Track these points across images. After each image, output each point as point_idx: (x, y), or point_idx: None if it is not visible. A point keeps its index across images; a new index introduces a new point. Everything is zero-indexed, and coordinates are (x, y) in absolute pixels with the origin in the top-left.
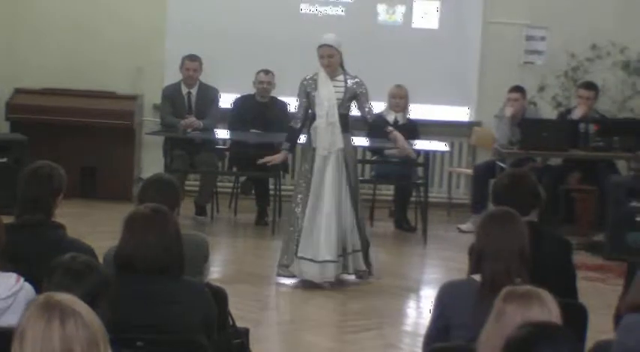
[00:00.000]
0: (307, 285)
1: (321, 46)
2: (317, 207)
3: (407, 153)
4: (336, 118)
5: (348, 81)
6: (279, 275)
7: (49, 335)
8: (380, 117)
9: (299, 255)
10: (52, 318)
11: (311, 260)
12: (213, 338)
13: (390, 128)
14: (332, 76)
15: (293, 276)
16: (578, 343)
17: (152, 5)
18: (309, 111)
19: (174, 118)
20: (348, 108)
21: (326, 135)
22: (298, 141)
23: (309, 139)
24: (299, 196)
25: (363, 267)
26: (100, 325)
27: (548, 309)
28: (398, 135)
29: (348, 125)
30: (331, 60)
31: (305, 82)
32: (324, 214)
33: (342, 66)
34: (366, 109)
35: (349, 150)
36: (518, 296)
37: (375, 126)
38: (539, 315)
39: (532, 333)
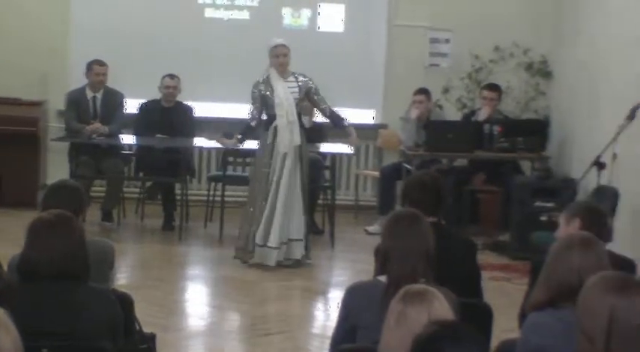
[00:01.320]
0: (216, 289)
1: (276, 46)
2: (275, 198)
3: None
4: (295, 117)
5: (299, 78)
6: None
7: None
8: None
9: (261, 243)
10: None
11: (269, 247)
12: (120, 344)
13: (348, 121)
14: (283, 77)
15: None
16: (484, 342)
17: (56, 11)
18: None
19: (79, 124)
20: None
21: (286, 133)
22: (250, 139)
23: (265, 138)
24: (256, 189)
25: (298, 256)
26: (19, 335)
27: (443, 307)
28: (353, 129)
29: (302, 122)
30: (286, 59)
31: (259, 86)
32: (279, 206)
33: None
34: (321, 102)
35: (304, 146)
36: (414, 296)
37: (333, 118)
38: (437, 313)
39: (438, 332)
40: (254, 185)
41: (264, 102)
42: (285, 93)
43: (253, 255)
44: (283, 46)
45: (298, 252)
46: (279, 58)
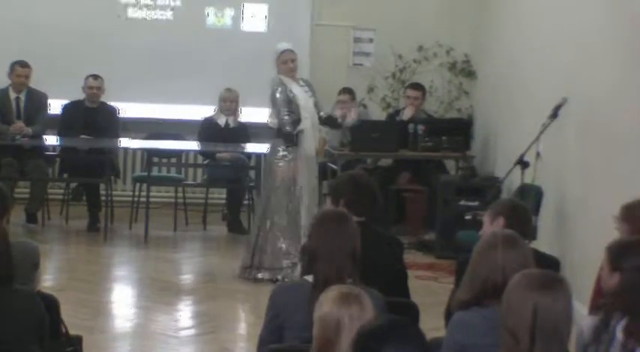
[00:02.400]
0: (142, 290)
1: (283, 52)
2: (298, 207)
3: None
4: (316, 120)
5: (308, 82)
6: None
7: None
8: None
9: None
10: None
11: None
12: (46, 346)
13: (341, 120)
14: (296, 82)
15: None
16: (424, 340)
17: None
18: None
19: (2, 125)
20: None
21: (311, 136)
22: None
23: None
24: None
25: None
26: None
27: (364, 308)
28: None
29: None
30: (295, 64)
31: (280, 89)
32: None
33: None
34: (319, 107)
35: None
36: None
37: (328, 121)
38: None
39: (380, 328)
40: (270, 195)
41: (290, 105)
42: (305, 97)
43: (261, 270)
44: (291, 51)
45: None
46: (289, 63)
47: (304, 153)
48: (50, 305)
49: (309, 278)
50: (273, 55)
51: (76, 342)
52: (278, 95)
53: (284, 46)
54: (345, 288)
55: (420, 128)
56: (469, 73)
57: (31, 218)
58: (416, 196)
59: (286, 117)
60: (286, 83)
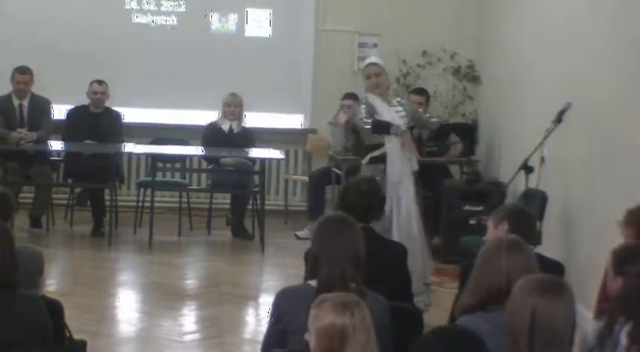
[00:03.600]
0: (146, 295)
1: (367, 66)
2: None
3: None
4: (408, 141)
5: (403, 102)
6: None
7: None
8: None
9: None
10: None
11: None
12: (49, 351)
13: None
14: (387, 101)
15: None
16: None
17: None
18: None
19: (6, 130)
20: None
21: (397, 160)
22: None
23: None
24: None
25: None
26: None
27: (365, 315)
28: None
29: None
30: (379, 79)
31: (367, 108)
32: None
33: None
34: (421, 124)
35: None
36: (339, 306)
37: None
38: (361, 322)
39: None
40: None
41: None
42: (392, 118)
43: None
44: (375, 64)
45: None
46: (371, 78)
47: (390, 179)
48: (54, 309)
49: (313, 282)
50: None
51: (80, 347)
52: (360, 115)
53: (370, 59)
54: (342, 297)
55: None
56: (473, 78)
57: (35, 223)
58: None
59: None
60: (372, 101)
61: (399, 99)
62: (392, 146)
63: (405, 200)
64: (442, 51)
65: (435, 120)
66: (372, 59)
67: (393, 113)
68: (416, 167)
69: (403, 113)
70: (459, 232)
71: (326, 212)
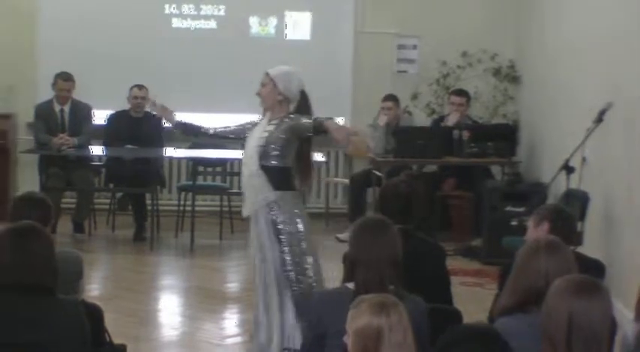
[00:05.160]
0: (188, 299)
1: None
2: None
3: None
4: (256, 166)
5: (291, 117)
6: None
7: None
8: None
9: None
10: None
11: None
12: None
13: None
14: (270, 117)
15: None
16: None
17: (22, 22)
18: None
19: (47, 136)
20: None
21: (248, 191)
22: (186, 129)
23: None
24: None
25: None
26: None
27: (402, 316)
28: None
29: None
30: (263, 90)
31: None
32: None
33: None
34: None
35: (279, 205)
36: (376, 307)
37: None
38: (398, 323)
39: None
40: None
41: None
42: (256, 136)
43: None
44: (266, 73)
45: None
46: (260, 88)
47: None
48: (94, 314)
49: (350, 285)
50: None
51: (120, 351)
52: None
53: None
54: (380, 298)
55: (465, 134)
56: (514, 79)
57: (78, 228)
58: (461, 202)
59: (228, 128)
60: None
61: (292, 115)
62: (243, 173)
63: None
64: (482, 52)
65: (305, 120)
66: (275, 68)
67: (258, 132)
68: (271, 197)
69: (268, 131)
70: (501, 233)
71: (367, 214)
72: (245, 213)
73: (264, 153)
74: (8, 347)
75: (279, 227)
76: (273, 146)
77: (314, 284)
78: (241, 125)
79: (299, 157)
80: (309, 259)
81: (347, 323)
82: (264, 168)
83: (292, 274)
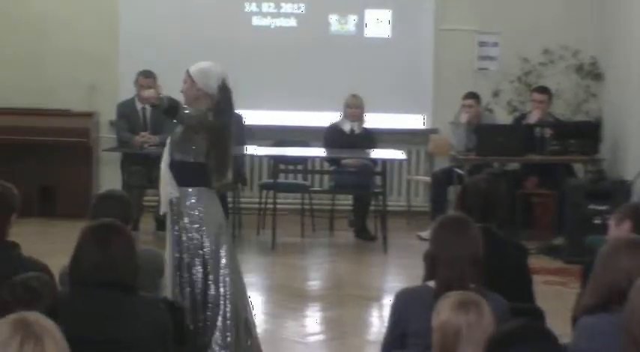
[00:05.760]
0: (270, 297)
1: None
2: None
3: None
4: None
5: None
6: None
7: None
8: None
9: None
10: (26, 339)
11: None
12: None
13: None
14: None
15: None
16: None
17: (105, 22)
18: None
19: (130, 134)
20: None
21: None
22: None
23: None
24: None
25: None
26: (66, 344)
27: (482, 314)
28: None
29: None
30: (185, 86)
31: None
32: None
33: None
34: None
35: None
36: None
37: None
38: (476, 321)
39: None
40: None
41: None
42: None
43: None
44: (186, 71)
45: None
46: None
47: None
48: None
49: (431, 283)
50: None
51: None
52: None
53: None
54: (463, 295)
55: (547, 132)
56: (596, 75)
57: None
58: (544, 200)
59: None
60: None
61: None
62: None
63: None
64: (564, 48)
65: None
66: (195, 65)
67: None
68: (174, 194)
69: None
70: (583, 231)
71: (448, 212)
72: (162, 210)
73: (171, 148)
74: (89, 344)
75: (175, 228)
76: (176, 140)
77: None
78: None
79: (210, 153)
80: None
81: (432, 319)
82: (171, 164)
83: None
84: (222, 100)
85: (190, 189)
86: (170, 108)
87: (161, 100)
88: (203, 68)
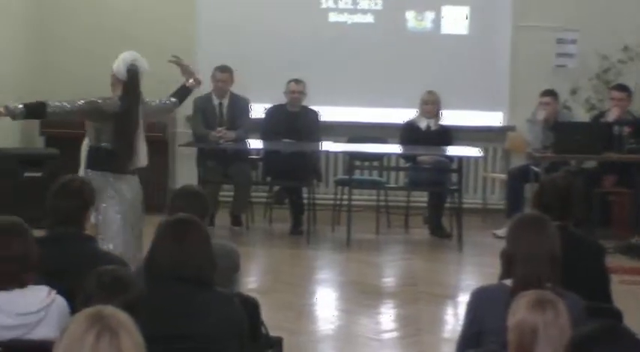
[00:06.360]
0: (344, 293)
1: None
2: None
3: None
4: None
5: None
6: None
7: (99, 349)
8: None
9: None
10: (102, 333)
11: None
12: (245, 347)
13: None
14: None
15: None
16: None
17: (182, 16)
18: None
19: (206, 129)
20: (89, 136)
21: None
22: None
23: None
24: None
25: None
26: (142, 339)
27: (559, 313)
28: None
29: None
30: None
31: None
32: None
33: None
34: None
35: None
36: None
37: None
38: (553, 320)
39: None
40: None
41: None
42: None
43: None
44: None
45: None
46: None
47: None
48: (250, 306)
49: (508, 282)
50: None
51: (276, 344)
52: None
53: None
54: (539, 294)
55: (626, 130)
56: None
57: (235, 221)
58: (622, 199)
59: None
60: None
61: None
62: None
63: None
64: None
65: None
66: None
67: None
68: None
69: None
70: None
71: (524, 210)
72: None
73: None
74: (164, 339)
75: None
76: (89, 128)
77: None
78: None
79: (115, 137)
80: None
81: (508, 319)
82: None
83: None
84: (129, 85)
85: (96, 172)
86: (30, 115)
87: (12, 112)
88: (121, 56)
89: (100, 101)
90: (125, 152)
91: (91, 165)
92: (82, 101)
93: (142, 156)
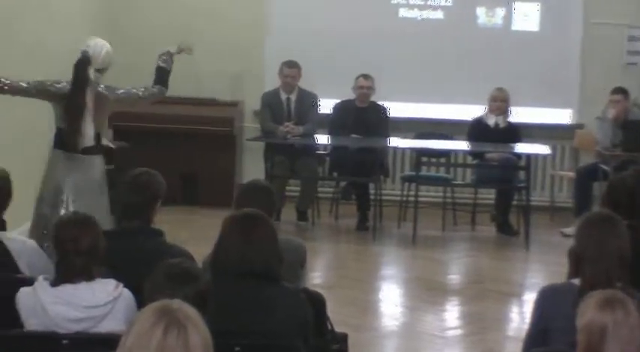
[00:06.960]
0: (409, 290)
1: None
2: None
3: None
4: None
5: None
6: None
7: (167, 343)
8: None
9: None
10: (169, 327)
11: None
12: (311, 343)
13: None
14: None
15: None
16: None
17: (251, 12)
18: None
19: (273, 124)
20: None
21: None
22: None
23: None
24: None
25: None
26: (209, 333)
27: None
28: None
29: None
30: None
31: None
32: None
33: None
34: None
35: None
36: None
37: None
38: (623, 320)
39: None
40: None
41: None
42: None
43: None
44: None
45: None
46: None
47: None
48: (316, 302)
49: (576, 281)
50: None
51: (342, 340)
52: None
53: None
54: (608, 293)
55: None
56: None
57: (301, 216)
58: None
59: None
60: None
61: None
62: None
63: None
64: None
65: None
66: None
67: None
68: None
69: None
70: None
71: (593, 209)
72: None
73: None
74: (230, 334)
75: None
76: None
77: None
78: None
79: (63, 118)
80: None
81: (576, 320)
82: None
83: None
84: (74, 69)
85: (53, 151)
86: None
87: None
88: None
89: (48, 83)
90: (71, 133)
91: (54, 143)
92: (35, 81)
93: (87, 139)
